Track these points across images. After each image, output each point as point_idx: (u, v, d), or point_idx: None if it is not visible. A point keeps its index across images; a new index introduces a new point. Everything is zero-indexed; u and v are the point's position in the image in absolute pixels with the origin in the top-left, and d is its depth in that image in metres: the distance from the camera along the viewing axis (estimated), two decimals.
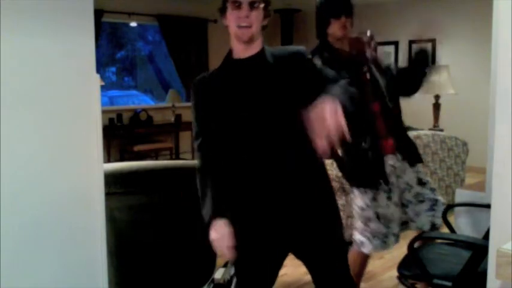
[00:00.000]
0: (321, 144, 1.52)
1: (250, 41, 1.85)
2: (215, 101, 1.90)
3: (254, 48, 1.88)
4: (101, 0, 6.36)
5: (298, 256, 2.01)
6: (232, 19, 1.84)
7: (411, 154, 2.72)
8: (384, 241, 2.68)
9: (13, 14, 1.70)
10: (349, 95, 1.74)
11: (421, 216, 2.73)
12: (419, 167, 2.74)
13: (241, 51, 1.89)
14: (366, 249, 2.74)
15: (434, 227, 2.73)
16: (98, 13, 6.43)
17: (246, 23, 1.82)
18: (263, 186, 1.91)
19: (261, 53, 1.89)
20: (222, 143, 1.92)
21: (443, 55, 6.90)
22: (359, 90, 2.56)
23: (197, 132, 1.96)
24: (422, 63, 2.68)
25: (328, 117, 1.52)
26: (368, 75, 2.63)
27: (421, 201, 2.72)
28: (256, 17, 1.83)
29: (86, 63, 1.92)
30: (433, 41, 7.06)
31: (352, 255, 2.83)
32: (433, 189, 2.72)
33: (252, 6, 1.82)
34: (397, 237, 2.70)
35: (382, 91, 2.63)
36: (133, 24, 7.76)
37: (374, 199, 2.67)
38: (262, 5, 1.84)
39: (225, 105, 1.89)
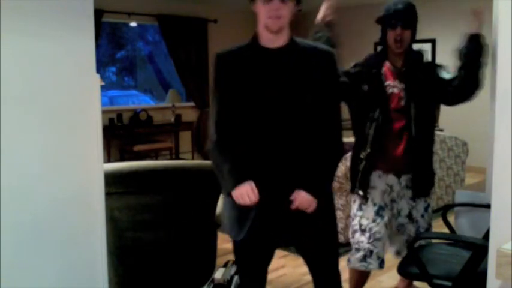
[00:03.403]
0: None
1: (278, 31, 1.90)
2: (238, 82, 1.94)
3: (281, 39, 1.93)
4: (101, 0, 6.36)
5: (297, 248, 2.14)
6: (262, 10, 1.88)
7: (418, 187, 2.64)
8: (364, 258, 2.66)
9: (13, 14, 1.70)
10: (327, 182, 2.06)
11: (395, 243, 2.77)
12: (420, 204, 2.67)
13: (269, 41, 1.93)
14: (349, 263, 2.75)
15: (399, 254, 2.78)
16: (98, 13, 6.43)
17: (275, 14, 1.86)
18: (269, 174, 1.96)
19: (289, 45, 1.94)
20: (237, 123, 1.96)
21: (443, 55, 6.89)
22: (379, 105, 2.54)
23: (217, 110, 2.00)
24: (474, 56, 2.47)
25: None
26: (401, 98, 2.54)
27: (402, 233, 2.71)
28: (286, 10, 1.87)
29: (86, 63, 1.92)
30: (433, 41, 7.05)
31: (349, 270, 2.84)
32: (418, 231, 2.67)
33: (282, 0, 1.86)
34: (381, 261, 2.67)
35: (412, 116, 2.54)
36: (133, 24, 7.76)
37: (360, 209, 2.67)
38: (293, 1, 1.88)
39: (247, 89, 1.93)
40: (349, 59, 2.71)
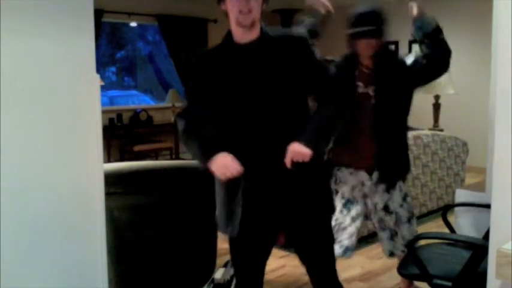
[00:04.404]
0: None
1: (251, 26, 1.89)
2: (214, 81, 1.95)
3: (254, 33, 1.92)
4: (101, 0, 6.36)
5: (289, 243, 2.10)
6: (232, 6, 1.88)
7: (389, 180, 2.70)
8: None
9: (13, 14, 1.70)
10: (322, 136, 1.99)
11: (383, 241, 2.80)
12: (396, 194, 2.70)
13: (241, 36, 1.93)
14: None
15: (392, 254, 2.80)
16: (98, 13, 6.42)
17: (246, 8, 1.85)
18: (254, 169, 1.93)
19: (261, 38, 1.93)
20: (214, 122, 1.98)
21: None
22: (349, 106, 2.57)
23: (187, 104, 2.05)
24: (426, 29, 2.56)
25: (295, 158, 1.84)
26: (370, 99, 2.58)
27: (383, 228, 2.76)
28: (256, 3, 1.87)
29: (86, 63, 1.92)
30: None
31: None
32: (399, 221, 2.70)
33: None
34: (345, 250, 2.70)
35: (383, 118, 2.59)
36: (133, 24, 7.75)
37: None
38: None
39: (222, 87, 1.94)
40: None
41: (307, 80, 1.95)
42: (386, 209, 2.69)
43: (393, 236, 2.73)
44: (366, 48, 2.56)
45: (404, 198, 2.72)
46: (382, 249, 2.84)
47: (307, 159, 1.84)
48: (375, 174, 2.67)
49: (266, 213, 1.98)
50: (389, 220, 2.70)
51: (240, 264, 2.13)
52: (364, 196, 2.72)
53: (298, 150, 1.84)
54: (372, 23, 2.52)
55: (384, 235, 2.76)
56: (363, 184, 2.69)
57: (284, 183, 1.95)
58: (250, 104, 1.91)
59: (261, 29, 1.95)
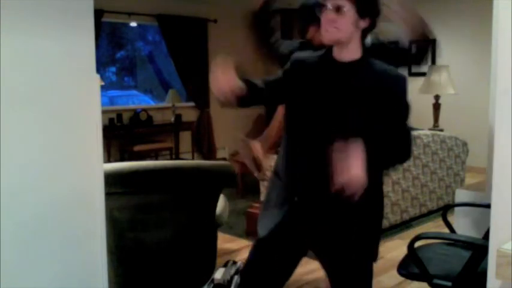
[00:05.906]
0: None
1: (335, 43, 1.79)
2: (298, 86, 1.85)
3: (351, 53, 1.80)
4: (101, 0, 6.36)
5: (318, 255, 2.07)
6: (322, 21, 1.77)
7: None
8: None
9: (13, 14, 1.70)
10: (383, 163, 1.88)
11: None
12: None
13: (335, 51, 1.82)
14: None
15: None
16: (98, 13, 6.42)
17: (332, 27, 1.74)
18: (302, 179, 1.87)
19: (359, 62, 1.81)
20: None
21: (443, 55, 6.90)
22: None
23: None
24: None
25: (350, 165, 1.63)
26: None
27: None
28: (344, 21, 1.73)
29: (86, 63, 1.91)
30: (433, 41, 7.06)
31: None
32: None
33: (338, 10, 1.72)
34: None
35: None
36: (133, 24, 7.75)
37: None
38: (352, 10, 1.73)
39: (303, 95, 1.85)
40: None
41: (386, 119, 1.79)
42: None
43: None
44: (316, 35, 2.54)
45: None
46: None
47: (359, 188, 1.64)
48: None
49: (308, 224, 1.91)
50: None
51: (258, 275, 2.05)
52: None
53: (353, 177, 1.63)
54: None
55: None
56: None
57: (324, 213, 1.87)
58: (321, 121, 1.82)
59: (364, 52, 1.81)
